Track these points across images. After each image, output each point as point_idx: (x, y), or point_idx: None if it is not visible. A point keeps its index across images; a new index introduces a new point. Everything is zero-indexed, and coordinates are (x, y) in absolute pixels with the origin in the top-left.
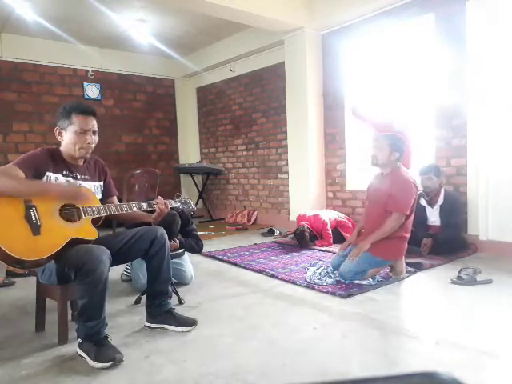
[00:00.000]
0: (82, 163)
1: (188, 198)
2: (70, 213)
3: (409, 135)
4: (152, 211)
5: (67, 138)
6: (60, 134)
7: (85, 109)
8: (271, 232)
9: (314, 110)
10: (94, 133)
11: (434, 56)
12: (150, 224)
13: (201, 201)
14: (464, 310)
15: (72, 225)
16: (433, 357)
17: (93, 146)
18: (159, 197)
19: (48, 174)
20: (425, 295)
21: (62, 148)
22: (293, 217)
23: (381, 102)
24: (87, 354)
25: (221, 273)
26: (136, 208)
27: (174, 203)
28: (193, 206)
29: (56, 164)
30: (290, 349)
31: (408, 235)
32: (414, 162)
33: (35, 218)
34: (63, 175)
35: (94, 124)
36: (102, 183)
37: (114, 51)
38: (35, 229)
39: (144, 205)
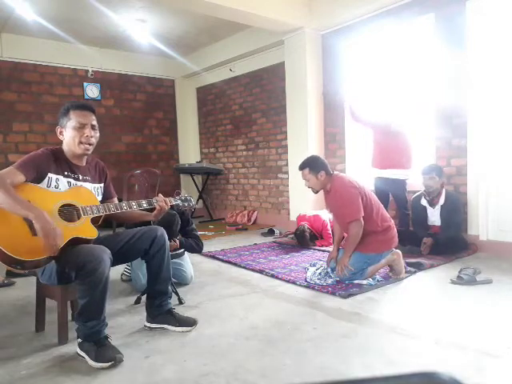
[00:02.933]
0: (84, 164)
1: (189, 195)
2: (69, 212)
3: (407, 135)
4: (152, 210)
5: (67, 136)
6: (61, 133)
7: (82, 104)
8: (271, 232)
9: (314, 110)
10: (93, 127)
11: (434, 56)
12: (150, 223)
13: (201, 201)
14: (464, 310)
15: (72, 224)
16: (433, 357)
17: (93, 140)
18: (159, 194)
19: (49, 175)
20: (425, 295)
21: (64, 147)
22: (293, 217)
23: (379, 103)
24: (87, 354)
25: (221, 273)
26: (136, 207)
27: (174, 201)
28: (193, 202)
29: (58, 164)
30: (290, 349)
31: (388, 223)
32: (413, 161)
33: None
34: (65, 176)
35: (92, 119)
36: (102, 185)
37: (114, 51)
38: (34, 229)
39: (144, 203)
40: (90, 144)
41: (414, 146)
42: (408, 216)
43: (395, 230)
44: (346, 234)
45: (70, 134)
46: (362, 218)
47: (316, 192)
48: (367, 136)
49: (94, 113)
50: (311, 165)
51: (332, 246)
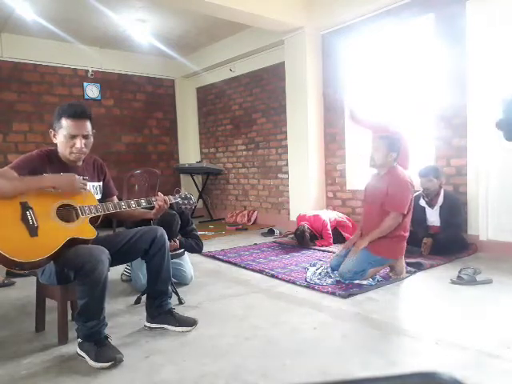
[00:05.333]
0: (80, 163)
1: (189, 193)
2: (67, 213)
3: (405, 136)
4: (151, 209)
5: (59, 141)
6: (54, 136)
7: (74, 112)
8: (271, 232)
9: (314, 110)
10: (84, 137)
11: (434, 56)
12: (150, 221)
13: (201, 201)
14: (464, 309)
15: (70, 225)
16: (433, 357)
17: (84, 149)
18: (159, 193)
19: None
20: (425, 295)
21: (59, 149)
22: (293, 217)
23: (378, 103)
24: (87, 354)
25: (221, 273)
26: (135, 206)
27: (174, 199)
28: (193, 200)
29: (53, 165)
30: (289, 349)
31: (407, 234)
32: (411, 163)
33: (32, 219)
34: None
35: (84, 128)
36: (101, 183)
37: (114, 51)
38: (32, 230)
39: (143, 202)
40: (81, 153)
41: (412, 147)
42: None
43: (405, 243)
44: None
45: (61, 141)
46: (401, 216)
47: (372, 165)
48: (366, 137)
49: (88, 118)
50: (391, 141)
51: (332, 246)
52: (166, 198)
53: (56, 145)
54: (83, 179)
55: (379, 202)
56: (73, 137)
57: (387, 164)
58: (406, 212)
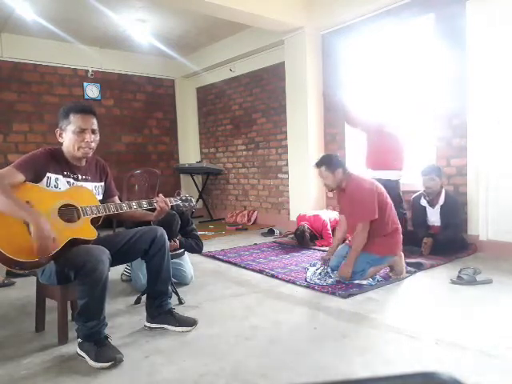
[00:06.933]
0: (84, 163)
1: (189, 195)
2: (69, 213)
3: (400, 136)
4: (152, 210)
5: (67, 139)
6: (60, 135)
7: (82, 108)
8: (271, 232)
9: (314, 110)
10: (93, 131)
11: (434, 56)
12: (150, 223)
13: (201, 201)
14: (464, 310)
15: (71, 225)
16: (433, 357)
17: (93, 144)
18: (160, 194)
19: (48, 174)
20: (425, 295)
21: (64, 149)
22: (293, 217)
23: (376, 103)
24: (87, 354)
25: (221, 273)
26: (136, 207)
27: (175, 201)
28: (194, 203)
29: (57, 164)
30: (289, 349)
31: (399, 226)
32: (406, 163)
33: None
34: (64, 176)
35: (93, 122)
36: (102, 184)
37: (114, 51)
38: None
39: (144, 203)
40: (89, 148)
41: (407, 147)
42: (405, 216)
43: (401, 235)
44: (347, 236)
45: (69, 138)
46: (369, 222)
47: (331, 190)
48: (362, 137)
49: (95, 115)
50: (328, 162)
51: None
52: (167, 199)
53: (61, 145)
54: (83, 179)
55: (352, 217)
56: (82, 130)
57: (341, 180)
58: (373, 217)
